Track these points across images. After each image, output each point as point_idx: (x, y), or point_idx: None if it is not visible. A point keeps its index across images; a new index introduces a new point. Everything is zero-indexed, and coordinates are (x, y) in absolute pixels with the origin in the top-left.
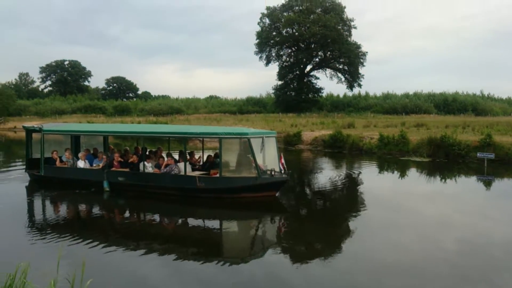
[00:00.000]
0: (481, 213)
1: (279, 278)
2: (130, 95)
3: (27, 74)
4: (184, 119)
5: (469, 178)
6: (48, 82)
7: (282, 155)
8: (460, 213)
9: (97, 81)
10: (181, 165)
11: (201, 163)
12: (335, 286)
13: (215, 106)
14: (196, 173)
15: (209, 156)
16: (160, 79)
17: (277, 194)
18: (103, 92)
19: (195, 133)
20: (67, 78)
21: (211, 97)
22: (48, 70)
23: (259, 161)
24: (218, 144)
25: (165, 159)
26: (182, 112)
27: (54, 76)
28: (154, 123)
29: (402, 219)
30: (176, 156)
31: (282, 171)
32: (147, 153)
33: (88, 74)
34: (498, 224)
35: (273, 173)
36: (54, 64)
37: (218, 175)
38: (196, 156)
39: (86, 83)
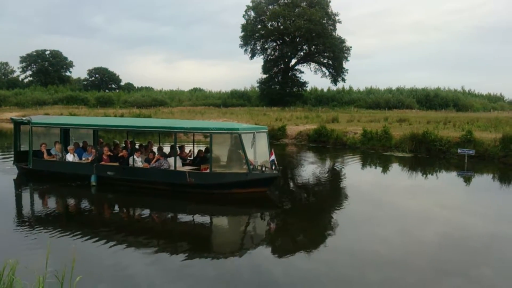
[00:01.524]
0: (460, 208)
1: (264, 271)
2: (113, 86)
3: (6, 64)
4: (168, 112)
5: (449, 173)
6: (29, 72)
7: (273, 151)
8: (440, 208)
9: (79, 72)
10: (171, 159)
11: (191, 157)
12: (318, 278)
13: (199, 99)
14: (186, 168)
15: (199, 151)
16: (143, 70)
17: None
18: (85, 83)
19: (185, 128)
20: (48, 68)
21: (195, 89)
22: (29, 60)
23: (250, 157)
24: (203, 137)
25: (156, 153)
26: (166, 105)
27: (34, 66)
28: (138, 115)
29: (384, 213)
30: (167, 151)
31: (273, 167)
32: (137, 147)
33: (70, 65)
34: (477, 218)
35: (264, 169)
36: (34, 53)
37: (208, 170)
38: (187, 150)
39: (67, 73)
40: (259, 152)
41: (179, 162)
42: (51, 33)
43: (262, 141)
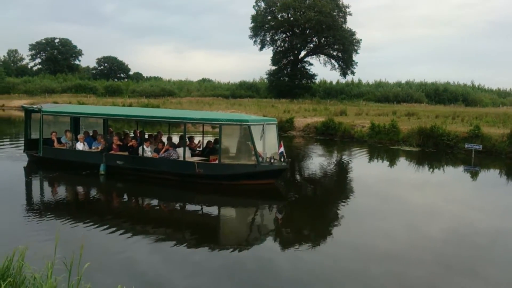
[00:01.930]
0: (467, 203)
1: (269, 263)
2: (122, 75)
3: (16, 51)
4: (177, 102)
5: (456, 168)
6: (38, 60)
7: (282, 143)
8: (447, 202)
9: (88, 60)
10: (180, 150)
11: (200, 148)
12: (322, 270)
13: (207, 90)
14: (195, 158)
15: (209, 142)
16: (152, 60)
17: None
18: (93, 71)
19: (195, 118)
20: (57, 56)
21: (203, 80)
22: (38, 48)
23: (259, 148)
24: (210, 128)
25: (165, 143)
26: (174, 95)
27: (44, 54)
28: (146, 105)
29: (390, 207)
30: (176, 141)
31: (282, 159)
32: (146, 136)
33: (79, 53)
34: (483, 214)
35: (272, 161)
36: (44, 41)
37: (217, 161)
38: (196, 141)
39: (76, 62)
40: (268, 144)
41: (188, 152)
42: (60, 21)
43: (271, 133)
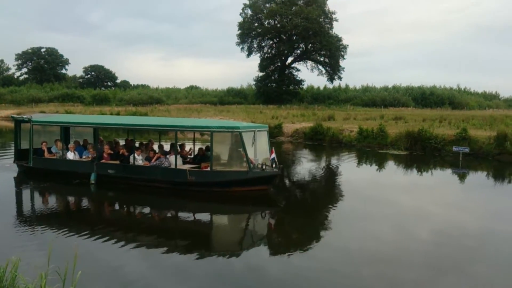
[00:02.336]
0: (455, 205)
1: (260, 269)
2: (109, 84)
3: (2, 61)
4: (164, 110)
5: (444, 171)
6: (24, 70)
7: (273, 149)
8: (435, 205)
9: (74, 69)
10: (171, 158)
11: (192, 155)
12: (313, 275)
13: (195, 97)
14: (187, 166)
15: (200, 149)
16: (139, 68)
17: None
18: (80, 80)
19: (186, 126)
20: (44, 65)
21: (191, 87)
22: (24, 57)
23: (251, 155)
24: (199, 135)
25: (156, 151)
26: (162, 102)
27: (30, 64)
28: (134, 113)
29: (379, 210)
30: (167, 149)
31: (274, 165)
32: (137, 145)
33: (66, 62)
34: (471, 216)
35: (264, 167)
36: (30, 51)
37: (209, 168)
38: (187, 148)
39: (63, 71)
40: (259, 151)
41: (179, 160)
42: (46, 30)
43: (263, 140)
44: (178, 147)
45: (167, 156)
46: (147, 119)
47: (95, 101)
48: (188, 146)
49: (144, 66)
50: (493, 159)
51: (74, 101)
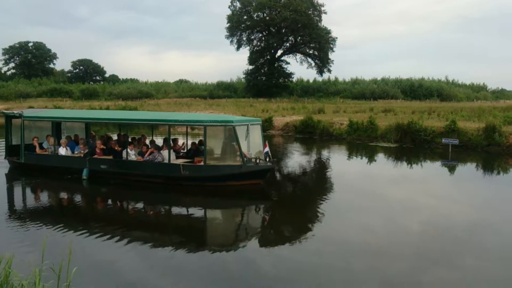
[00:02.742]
0: (444, 197)
1: (252, 262)
2: (97, 78)
3: None
4: (154, 104)
5: (434, 163)
6: (12, 65)
7: (267, 143)
8: (425, 197)
9: (63, 64)
10: (164, 152)
11: (185, 150)
12: (305, 268)
13: (185, 91)
14: (180, 161)
15: (193, 144)
16: (128, 62)
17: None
18: (69, 75)
19: (179, 120)
20: (32, 60)
21: (181, 81)
22: (11, 52)
23: (244, 149)
24: (190, 129)
25: (149, 146)
26: (151, 97)
27: (17, 58)
28: (123, 107)
29: (370, 202)
30: (160, 143)
31: (267, 159)
32: (130, 140)
33: (54, 57)
34: (460, 207)
35: (258, 161)
36: (17, 45)
37: (202, 163)
38: (180, 143)
39: (51, 65)
40: (253, 144)
41: (172, 155)
42: (34, 24)
43: (256, 133)
44: (171, 142)
45: (160, 151)
46: (139, 113)
47: (84, 96)
48: (180, 141)
49: (132, 59)
50: (481, 150)
51: (63, 96)
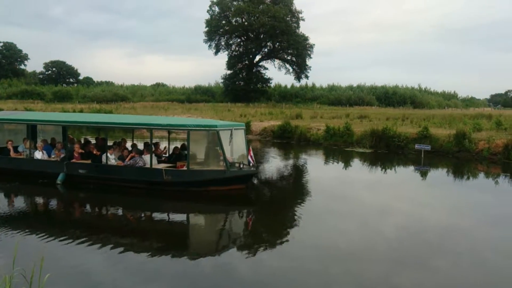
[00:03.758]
0: (417, 201)
1: (228, 268)
2: (71, 80)
3: None
4: (130, 107)
5: (407, 168)
6: None
7: (250, 147)
8: (399, 201)
9: (34, 65)
10: (146, 157)
11: (166, 154)
12: (281, 272)
13: (162, 94)
14: (162, 165)
15: (175, 148)
16: (103, 64)
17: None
18: (41, 76)
19: (162, 124)
20: (1, 61)
21: (158, 84)
22: None
23: (228, 153)
24: (166, 133)
25: (130, 150)
26: (127, 100)
27: None
28: (98, 111)
29: (346, 207)
30: (140, 147)
31: (251, 164)
32: (110, 143)
33: (25, 57)
34: (433, 211)
35: (241, 166)
36: None
37: (185, 168)
38: (161, 147)
39: (22, 66)
40: (236, 149)
41: (154, 159)
42: (4, 24)
43: (240, 138)
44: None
45: (142, 155)
46: (120, 117)
47: (56, 98)
48: (162, 145)
49: (108, 62)
50: (452, 156)
51: (34, 98)
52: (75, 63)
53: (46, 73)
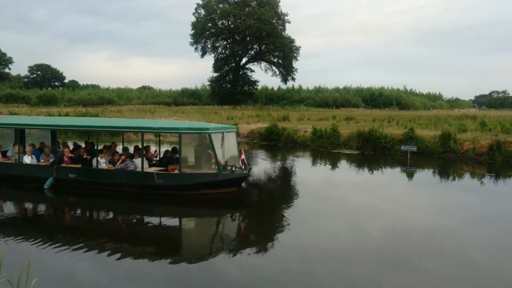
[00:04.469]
0: (404, 202)
1: (216, 270)
2: (56, 84)
3: None
4: (116, 110)
5: (394, 169)
6: None
7: (242, 150)
8: (385, 202)
9: (19, 69)
10: (137, 161)
11: (157, 158)
12: (269, 274)
13: (148, 97)
14: (153, 169)
15: (166, 151)
16: (89, 67)
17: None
18: (25, 80)
19: (153, 128)
20: None
21: (144, 87)
22: None
23: (220, 156)
24: (154, 137)
25: (120, 154)
26: (113, 103)
27: None
28: (84, 114)
29: (334, 208)
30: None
31: (243, 167)
32: (100, 147)
33: (9, 61)
34: (419, 212)
35: (234, 169)
36: None
37: (177, 171)
38: (152, 151)
39: (6, 70)
40: (228, 152)
41: (145, 163)
42: None
43: (231, 141)
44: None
45: (132, 159)
46: (110, 120)
47: (41, 102)
48: (152, 148)
49: (94, 65)
50: (438, 157)
51: (19, 102)
52: (60, 66)
53: (31, 76)
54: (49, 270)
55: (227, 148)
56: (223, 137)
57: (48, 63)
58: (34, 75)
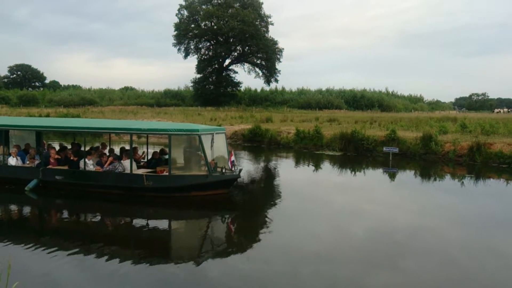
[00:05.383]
0: (386, 203)
1: (199, 272)
2: (37, 84)
3: None
4: (98, 111)
5: (376, 170)
6: None
7: (232, 152)
8: (368, 203)
9: None
10: (125, 162)
11: (145, 159)
12: (252, 275)
13: (131, 98)
14: (142, 171)
15: (154, 153)
16: (70, 68)
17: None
18: (5, 80)
19: (142, 129)
20: None
21: (126, 88)
22: None
23: (209, 158)
24: (137, 138)
25: (108, 156)
26: (95, 104)
27: None
28: (65, 115)
29: (316, 209)
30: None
31: (233, 169)
32: (87, 148)
33: None
34: (401, 212)
35: (224, 170)
36: None
37: (166, 173)
38: (140, 152)
39: None
40: (218, 154)
41: (133, 165)
42: None
43: (221, 142)
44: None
45: (120, 160)
46: (96, 121)
47: (21, 102)
48: (140, 150)
49: (75, 66)
50: (420, 158)
51: None
52: (41, 66)
53: (11, 76)
54: (31, 274)
55: (217, 149)
56: (213, 139)
57: (29, 63)
58: (14, 75)
